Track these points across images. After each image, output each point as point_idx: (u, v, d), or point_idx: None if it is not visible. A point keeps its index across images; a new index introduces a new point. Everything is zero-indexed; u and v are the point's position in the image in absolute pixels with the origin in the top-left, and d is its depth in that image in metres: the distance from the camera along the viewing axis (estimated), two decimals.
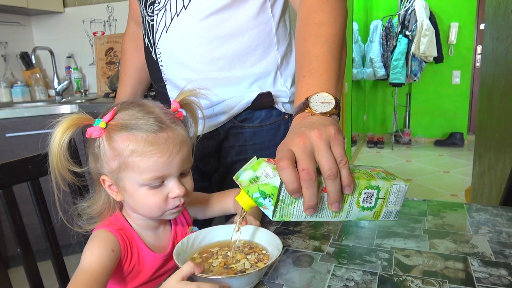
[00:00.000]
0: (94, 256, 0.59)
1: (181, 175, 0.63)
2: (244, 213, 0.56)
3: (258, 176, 0.51)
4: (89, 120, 0.59)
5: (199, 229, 0.65)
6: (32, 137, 2.06)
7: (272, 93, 0.89)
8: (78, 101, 2.41)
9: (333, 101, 0.56)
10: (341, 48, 0.64)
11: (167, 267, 0.69)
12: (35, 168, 0.86)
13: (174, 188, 0.61)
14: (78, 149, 0.83)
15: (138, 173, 0.59)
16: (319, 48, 0.62)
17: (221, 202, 0.78)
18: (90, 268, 0.57)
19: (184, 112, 0.67)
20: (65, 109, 2.14)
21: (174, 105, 0.65)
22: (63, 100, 2.55)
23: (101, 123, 0.59)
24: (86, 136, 0.60)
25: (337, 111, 0.56)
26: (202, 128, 0.74)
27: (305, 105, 0.56)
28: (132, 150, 0.58)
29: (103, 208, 0.67)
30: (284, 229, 0.72)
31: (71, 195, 0.73)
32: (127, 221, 0.67)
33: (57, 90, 2.58)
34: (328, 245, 0.66)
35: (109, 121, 0.59)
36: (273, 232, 0.61)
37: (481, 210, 0.78)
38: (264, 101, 0.89)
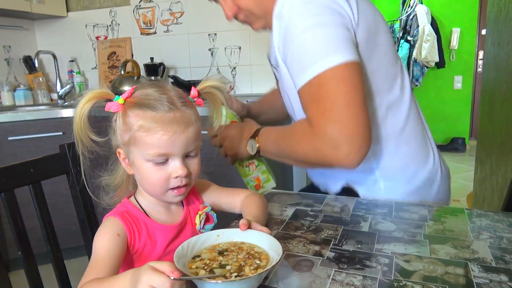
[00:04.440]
0: (101, 243, 0.62)
1: (187, 157, 0.67)
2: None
3: None
4: (110, 95, 0.64)
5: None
6: (34, 141, 2.06)
7: None
8: (83, 93, 2.42)
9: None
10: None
11: (180, 238, 0.71)
12: (37, 172, 0.86)
13: (176, 168, 0.65)
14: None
15: (143, 148, 0.63)
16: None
17: (230, 199, 0.80)
18: (98, 256, 0.61)
19: (204, 102, 0.71)
20: (67, 112, 2.14)
21: (193, 92, 0.69)
22: (66, 103, 2.56)
23: (119, 99, 0.64)
24: (105, 110, 0.65)
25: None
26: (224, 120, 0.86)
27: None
28: (140, 126, 0.62)
29: (121, 180, 0.72)
30: (285, 234, 0.72)
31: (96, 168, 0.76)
32: (137, 201, 0.71)
33: (59, 94, 2.59)
34: (328, 249, 0.66)
35: (127, 98, 0.64)
36: (274, 236, 0.61)
37: (482, 216, 0.78)
38: None
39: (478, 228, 0.72)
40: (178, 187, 0.66)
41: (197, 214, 0.74)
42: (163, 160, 0.64)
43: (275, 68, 0.98)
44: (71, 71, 2.80)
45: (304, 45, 0.77)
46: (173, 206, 0.73)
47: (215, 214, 0.75)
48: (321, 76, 0.75)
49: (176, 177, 0.65)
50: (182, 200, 0.72)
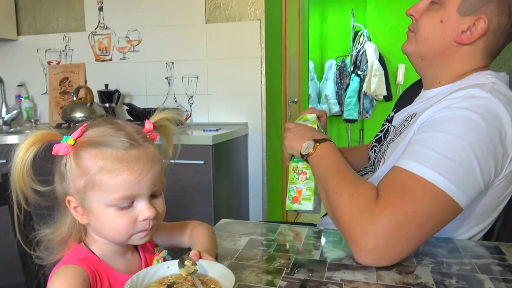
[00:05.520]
0: (64, 285, 0.54)
1: (152, 197, 0.61)
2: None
3: None
4: (57, 136, 0.57)
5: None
6: None
7: None
8: (28, 131, 2.31)
9: None
10: None
11: None
12: None
13: (144, 210, 0.58)
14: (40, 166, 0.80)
15: (105, 192, 0.56)
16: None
17: (180, 234, 0.76)
18: None
19: (158, 135, 0.66)
20: (12, 139, 2.04)
21: (148, 126, 0.64)
22: (11, 130, 2.43)
23: (69, 139, 0.56)
24: (53, 153, 0.57)
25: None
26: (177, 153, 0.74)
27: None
28: (100, 167, 0.55)
29: (68, 233, 0.62)
30: (238, 264, 0.72)
31: (28, 221, 0.68)
32: (90, 250, 0.63)
33: (4, 119, 2.46)
34: (280, 279, 0.66)
35: (77, 138, 0.57)
36: (227, 266, 0.61)
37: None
38: None
39: (420, 254, 0.76)
40: (145, 230, 0.61)
41: (153, 259, 0.69)
42: (128, 203, 0.58)
43: (392, 125, 0.98)
44: (19, 96, 2.68)
45: (441, 148, 0.71)
46: (129, 254, 0.67)
47: (170, 258, 0.71)
48: (429, 185, 0.69)
49: (144, 219, 0.59)
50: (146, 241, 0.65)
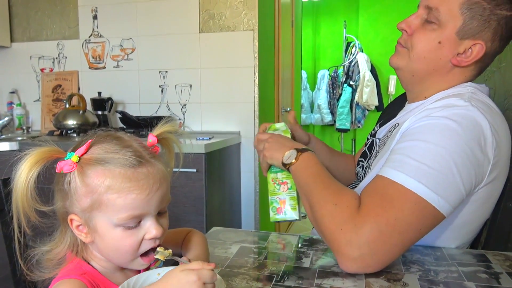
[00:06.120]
0: None
1: (158, 214, 0.60)
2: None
3: None
4: (60, 153, 0.55)
5: None
6: None
7: None
8: (19, 138, 2.30)
9: None
10: None
11: None
12: None
13: (151, 229, 0.57)
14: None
15: (113, 211, 0.54)
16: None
17: (175, 242, 0.75)
18: None
19: (160, 147, 0.65)
20: (3, 146, 2.02)
21: (151, 139, 0.62)
22: (2, 137, 2.42)
23: (73, 156, 0.54)
24: (57, 171, 0.54)
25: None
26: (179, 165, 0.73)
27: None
28: (108, 186, 0.53)
29: (68, 251, 0.60)
30: (229, 271, 0.73)
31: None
32: (90, 265, 0.61)
33: None
34: (270, 286, 0.67)
35: (82, 154, 0.55)
36: (217, 273, 0.61)
37: (412, 250, 0.83)
38: None
39: (409, 262, 0.77)
40: (147, 254, 0.59)
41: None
42: (135, 223, 0.56)
43: (376, 138, 1.01)
44: (11, 103, 2.67)
45: (421, 157, 0.73)
46: (128, 269, 0.65)
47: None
48: (409, 193, 0.71)
49: (151, 238, 0.57)
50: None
